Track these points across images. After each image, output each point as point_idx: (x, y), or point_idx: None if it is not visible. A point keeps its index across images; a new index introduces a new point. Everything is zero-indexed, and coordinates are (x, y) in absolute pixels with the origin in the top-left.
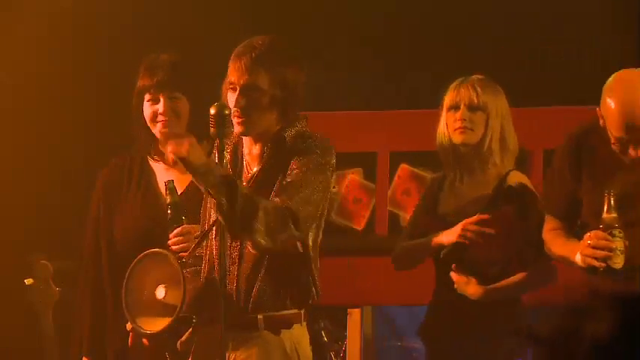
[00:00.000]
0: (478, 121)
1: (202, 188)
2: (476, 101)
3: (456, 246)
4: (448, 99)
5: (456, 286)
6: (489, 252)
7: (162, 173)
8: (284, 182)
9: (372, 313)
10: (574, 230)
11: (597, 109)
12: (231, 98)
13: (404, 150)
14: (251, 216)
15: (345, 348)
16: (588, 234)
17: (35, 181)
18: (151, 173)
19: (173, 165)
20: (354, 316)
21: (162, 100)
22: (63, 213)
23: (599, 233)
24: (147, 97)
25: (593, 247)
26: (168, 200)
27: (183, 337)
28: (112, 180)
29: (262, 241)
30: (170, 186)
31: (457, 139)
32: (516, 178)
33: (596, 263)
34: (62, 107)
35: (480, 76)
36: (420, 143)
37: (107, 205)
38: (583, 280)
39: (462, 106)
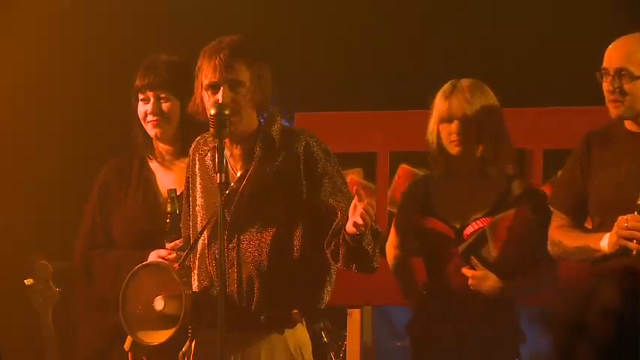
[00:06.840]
0: (472, 133)
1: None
2: (469, 114)
3: (475, 242)
4: (440, 108)
5: (471, 281)
6: (507, 249)
7: (162, 174)
8: (326, 192)
9: (372, 313)
10: (582, 227)
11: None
12: (210, 100)
13: (404, 150)
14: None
15: (345, 348)
16: (624, 217)
17: (35, 182)
18: (150, 174)
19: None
20: (354, 316)
21: (152, 100)
22: (63, 213)
23: (636, 216)
24: (140, 96)
25: (629, 230)
26: (168, 209)
27: (184, 348)
28: (110, 180)
29: (376, 265)
30: (172, 195)
31: (453, 150)
32: (525, 183)
33: (632, 245)
34: (62, 107)
35: (468, 82)
36: (420, 143)
37: (105, 205)
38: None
39: (455, 121)
